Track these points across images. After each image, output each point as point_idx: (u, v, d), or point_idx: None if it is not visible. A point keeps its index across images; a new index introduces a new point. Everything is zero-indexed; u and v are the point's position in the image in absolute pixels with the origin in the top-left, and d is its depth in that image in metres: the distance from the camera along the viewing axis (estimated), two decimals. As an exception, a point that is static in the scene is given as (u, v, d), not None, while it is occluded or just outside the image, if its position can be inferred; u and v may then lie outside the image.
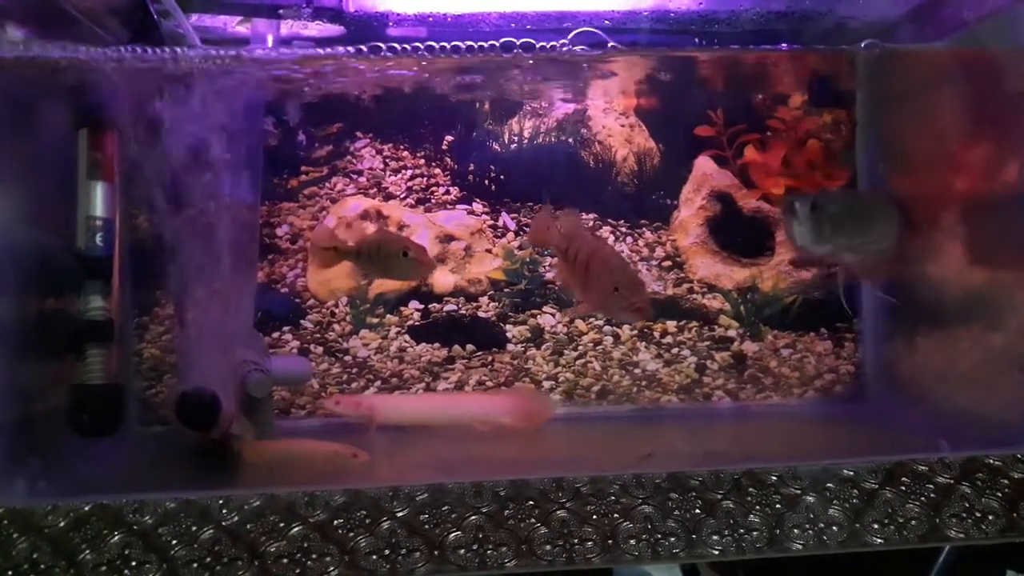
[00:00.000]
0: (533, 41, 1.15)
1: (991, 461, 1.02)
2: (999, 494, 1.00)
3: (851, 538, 0.97)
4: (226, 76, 1.19)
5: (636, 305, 1.17)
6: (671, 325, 1.58)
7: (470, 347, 1.55)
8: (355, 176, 1.55)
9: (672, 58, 1.34)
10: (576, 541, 0.95)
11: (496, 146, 1.57)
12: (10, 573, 0.90)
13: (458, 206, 1.56)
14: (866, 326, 1.58)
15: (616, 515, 0.97)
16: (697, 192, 1.58)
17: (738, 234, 1.59)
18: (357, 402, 1.37)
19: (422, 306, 1.55)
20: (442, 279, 1.55)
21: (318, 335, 1.53)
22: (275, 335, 1.52)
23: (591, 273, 1.20)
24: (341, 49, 1.15)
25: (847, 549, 0.97)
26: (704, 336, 1.58)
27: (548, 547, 0.95)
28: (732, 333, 1.58)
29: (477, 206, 1.57)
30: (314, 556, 0.92)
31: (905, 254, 1.35)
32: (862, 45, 1.22)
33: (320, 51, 1.18)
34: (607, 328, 1.57)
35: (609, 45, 1.17)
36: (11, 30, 1.09)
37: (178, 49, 1.14)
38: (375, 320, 1.54)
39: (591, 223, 1.57)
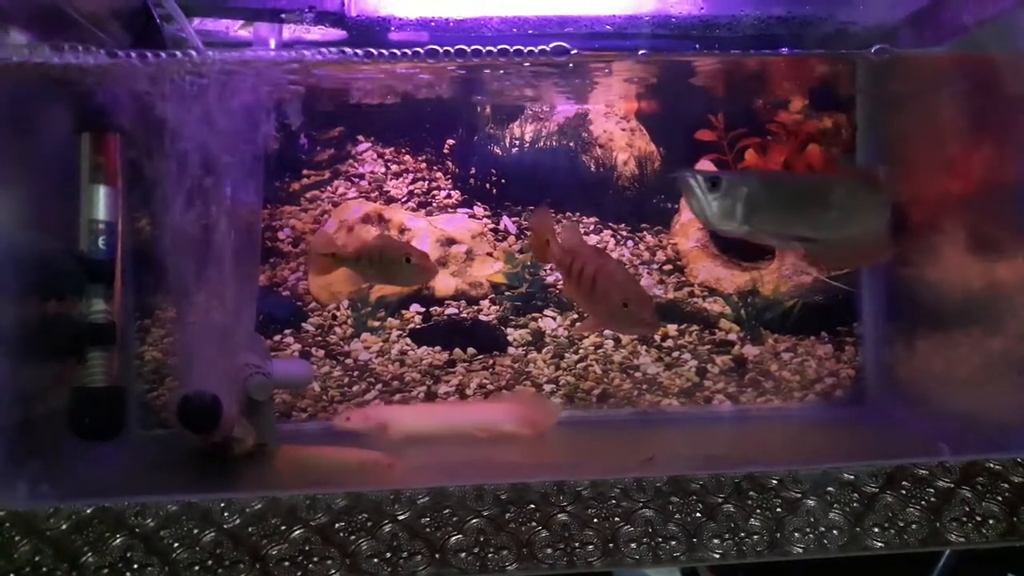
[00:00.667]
0: (567, 45, 1.16)
1: (991, 465, 1.02)
2: (999, 498, 1.00)
3: (851, 542, 0.97)
4: (228, 79, 1.19)
5: (646, 320, 1.19)
6: (672, 329, 1.58)
7: (471, 350, 1.55)
8: (357, 180, 1.56)
9: (673, 62, 1.34)
10: (577, 544, 0.95)
11: (497, 150, 1.57)
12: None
13: (459, 210, 1.57)
14: (867, 330, 1.59)
15: (617, 519, 0.97)
16: (698, 196, 1.58)
17: (739, 238, 1.59)
18: (366, 415, 1.35)
19: (423, 309, 1.55)
20: (443, 282, 1.55)
21: (319, 338, 1.53)
22: (276, 338, 1.53)
23: (598, 289, 1.20)
24: (346, 52, 1.16)
25: (847, 553, 0.97)
26: (705, 340, 1.58)
27: (549, 550, 0.95)
28: (733, 337, 1.59)
29: (478, 210, 1.57)
30: (315, 559, 0.93)
31: (886, 248, 1.33)
32: (872, 50, 1.22)
33: (323, 54, 1.18)
34: (607, 332, 1.57)
35: (640, 53, 1.18)
36: (14, 34, 1.09)
37: (180, 53, 1.15)
38: (376, 323, 1.54)
39: (592, 227, 1.58)
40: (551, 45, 1.17)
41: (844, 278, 1.60)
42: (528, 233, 1.54)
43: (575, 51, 1.18)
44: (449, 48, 1.16)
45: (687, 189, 1.21)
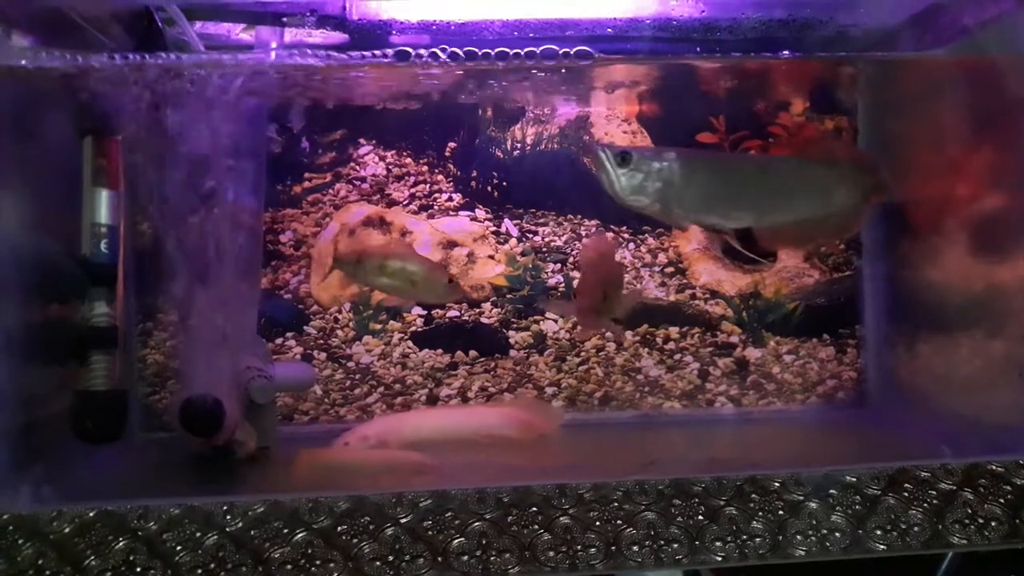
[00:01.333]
0: (590, 50, 1.18)
1: (993, 467, 1.02)
2: (1002, 500, 1.00)
3: (854, 544, 0.97)
4: (230, 83, 1.19)
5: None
6: (673, 331, 1.58)
7: (473, 353, 1.55)
8: (358, 182, 1.56)
9: (674, 65, 1.35)
10: (579, 547, 0.95)
11: (499, 152, 1.58)
12: (15, 579, 0.90)
13: (461, 212, 1.57)
14: (868, 332, 1.59)
15: (619, 521, 0.97)
16: (699, 198, 1.58)
17: (740, 240, 1.59)
18: (364, 436, 1.33)
19: (425, 312, 1.55)
20: (445, 285, 1.55)
21: (321, 341, 1.54)
22: (278, 341, 1.53)
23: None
24: (345, 56, 1.16)
25: (850, 555, 0.97)
26: (707, 342, 1.58)
27: (551, 553, 0.95)
28: (734, 339, 1.59)
29: (480, 212, 1.57)
30: (318, 562, 0.93)
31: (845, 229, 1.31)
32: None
33: (324, 58, 1.18)
34: (609, 334, 1.57)
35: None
36: (17, 38, 1.09)
37: (182, 56, 1.15)
38: (378, 326, 1.54)
39: (593, 230, 1.58)
40: (575, 49, 1.18)
41: (846, 280, 1.60)
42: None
43: (599, 55, 1.19)
44: (478, 50, 1.16)
45: (597, 163, 1.19)
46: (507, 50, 1.18)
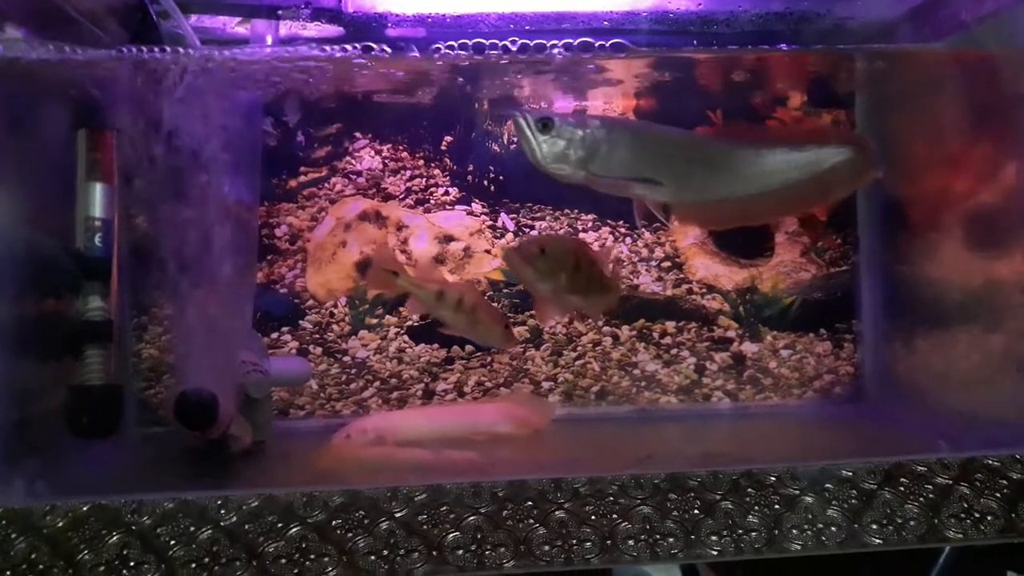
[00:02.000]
0: (624, 42, 1.18)
1: (990, 462, 1.02)
2: (998, 495, 1.00)
3: (850, 538, 0.97)
4: (225, 76, 1.19)
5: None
6: (670, 326, 1.58)
7: (469, 348, 1.55)
8: (354, 176, 1.55)
9: (671, 58, 1.34)
10: (575, 541, 0.95)
11: (495, 147, 1.57)
12: (8, 573, 0.90)
13: (457, 207, 1.57)
14: (865, 327, 1.58)
15: (615, 515, 0.97)
16: (696, 193, 1.58)
17: (737, 235, 1.59)
18: (363, 429, 1.33)
19: (421, 307, 1.55)
20: (441, 280, 1.54)
21: (317, 335, 1.53)
22: (274, 335, 1.52)
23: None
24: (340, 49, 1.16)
25: (846, 550, 0.97)
26: (703, 337, 1.58)
27: (547, 547, 0.95)
28: (731, 334, 1.59)
29: (476, 206, 1.57)
30: (312, 556, 0.92)
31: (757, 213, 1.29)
32: None
33: (320, 51, 1.18)
34: (606, 329, 1.57)
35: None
36: (10, 30, 1.09)
37: (178, 50, 1.14)
38: (374, 321, 1.54)
39: (590, 224, 1.58)
40: (609, 42, 1.17)
41: (843, 275, 1.60)
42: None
43: (631, 48, 1.18)
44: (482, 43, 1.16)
45: (519, 130, 1.17)
46: (528, 42, 1.17)
